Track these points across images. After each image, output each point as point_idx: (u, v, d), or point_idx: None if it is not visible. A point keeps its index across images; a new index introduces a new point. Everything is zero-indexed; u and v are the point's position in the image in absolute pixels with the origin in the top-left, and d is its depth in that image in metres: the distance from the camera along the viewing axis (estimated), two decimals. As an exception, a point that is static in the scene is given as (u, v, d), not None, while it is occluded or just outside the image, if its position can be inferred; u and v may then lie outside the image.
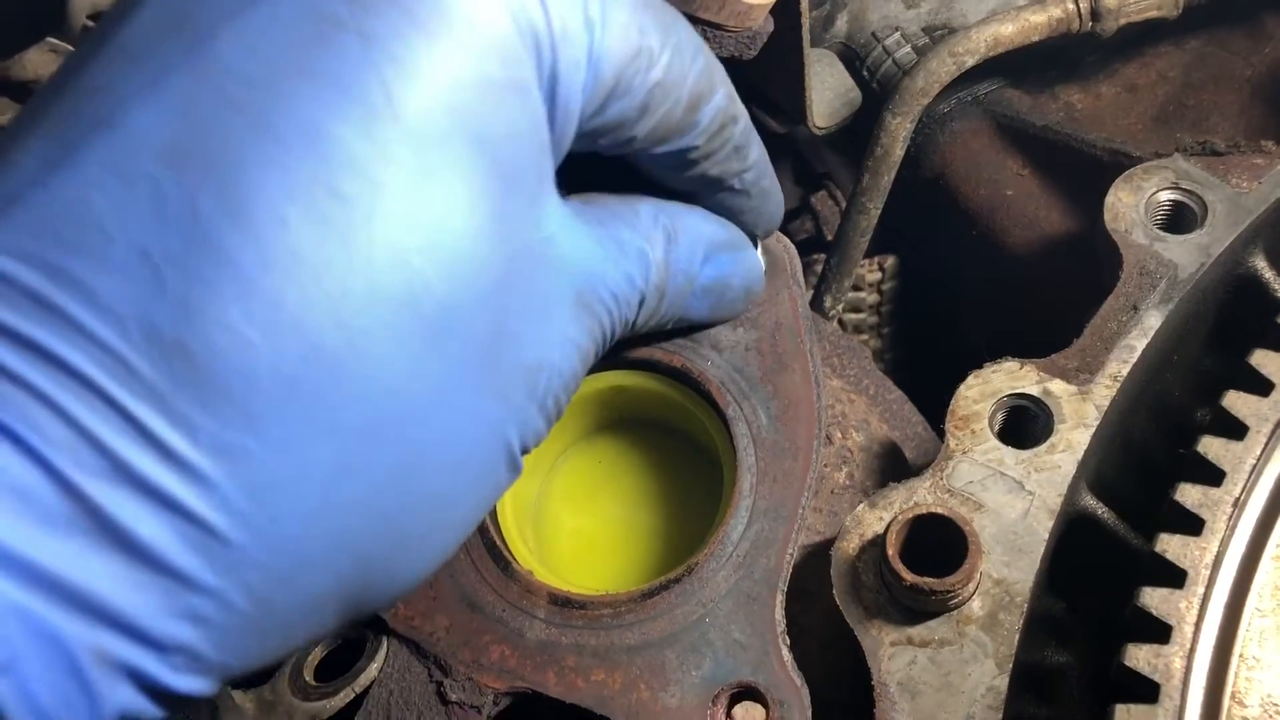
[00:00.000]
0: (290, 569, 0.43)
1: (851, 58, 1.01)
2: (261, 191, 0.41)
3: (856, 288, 1.07)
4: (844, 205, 1.01)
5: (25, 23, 0.67)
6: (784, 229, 1.10)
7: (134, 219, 0.40)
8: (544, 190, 0.50)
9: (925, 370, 1.09)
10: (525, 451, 0.52)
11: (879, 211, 0.94)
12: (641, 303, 0.59)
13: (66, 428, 0.39)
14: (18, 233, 0.40)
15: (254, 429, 0.41)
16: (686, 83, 0.55)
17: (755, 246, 0.70)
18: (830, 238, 1.06)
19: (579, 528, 0.75)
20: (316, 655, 0.68)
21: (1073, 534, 0.69)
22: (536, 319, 0.50)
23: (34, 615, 0.38)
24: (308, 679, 0.66)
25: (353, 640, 0.68)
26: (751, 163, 0.62)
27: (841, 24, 1.02)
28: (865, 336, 1.13)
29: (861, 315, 1.11)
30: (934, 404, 0.75)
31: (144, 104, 0.42)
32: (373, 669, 0.66)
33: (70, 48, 0.73)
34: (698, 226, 0.63)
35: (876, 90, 0.98)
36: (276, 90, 0.42)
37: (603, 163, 0.58)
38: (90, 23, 0.73)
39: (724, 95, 0.58)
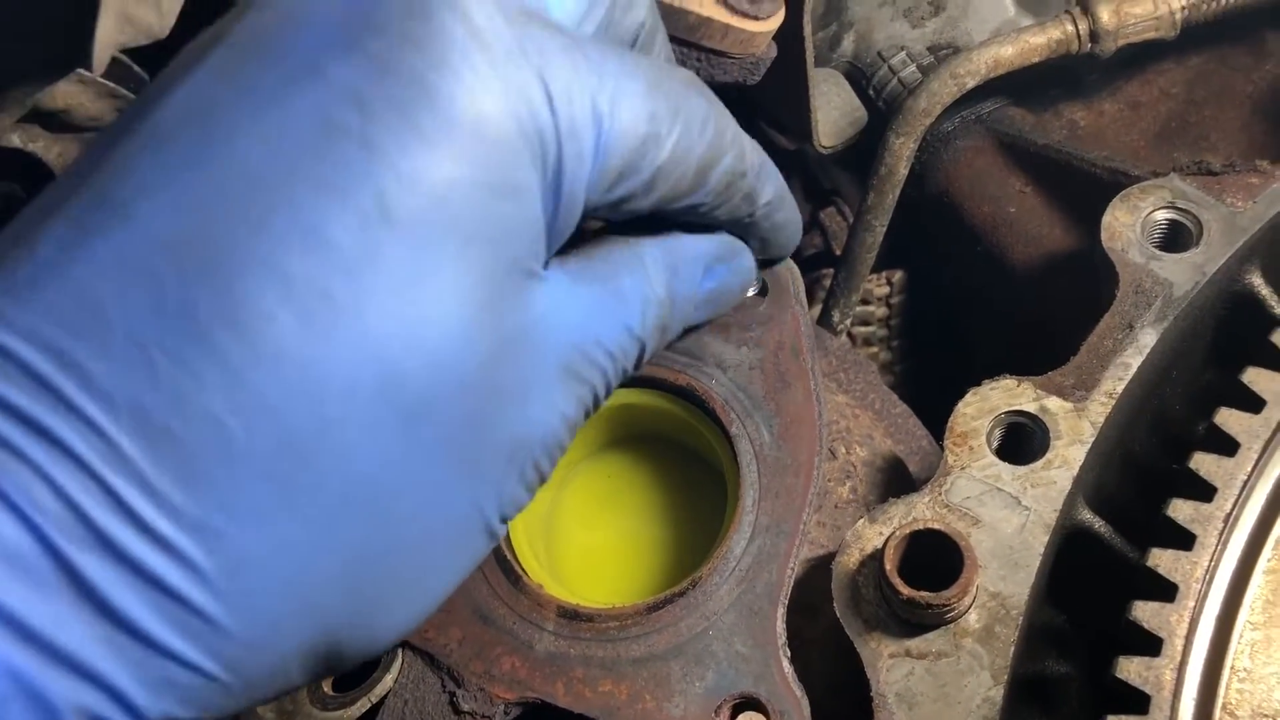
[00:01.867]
0: (262, 638, 0.46)
1: (858, 77, 1.02)
2: (255, 291, 0.44)
3: (865, 301, 1.09)
4: (851, 221, 1.03)
5: (58, 57, 0.70)
6: (792, 246, 1.11)
7: (135, 310, 0.44)
8: (535, 274, 0.52)
9: (935, 381, 1.11)
10: (505, 520, 0.54)
11: (884, 229, 0.95)
12: (643, 349, 0.60)
13: (57, 500, 0.42)
14: (30, 313, 0.44)
15: (230, 511, 0.44)
16: (694, 156, 0.57)
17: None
18: (839, 253, 1.08)
19: (588, 541, 0.77)
20: (334, 666, 0.70)
21: (1071, 548, 0.71)
22: (519, 399, 0.52)
23: (21, 671, 0.41)
24: (325, 689, 0.69)
25: (369, 652, 0.70)
26: (763, 204, 0.64)
27: (848, 44, 1.03)
28: (875, 349, 1.14)
29: (871, 328, 1.13)
30: (941, 415, 0.76)
31: (157, 196, 0.45)
32: (388, 680, 0.68)
33: (98, 80, 0.75)
34: (694, 249, 0.64)
35: (882, 109, 1.00)
36: (281, 194, 0.45)
37: None
38: (122, 56, 0.76)
39: (732, 158, 0.59)
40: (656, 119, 0.54)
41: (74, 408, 0.43)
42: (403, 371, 0.47)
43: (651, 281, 0.60)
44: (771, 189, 0.64)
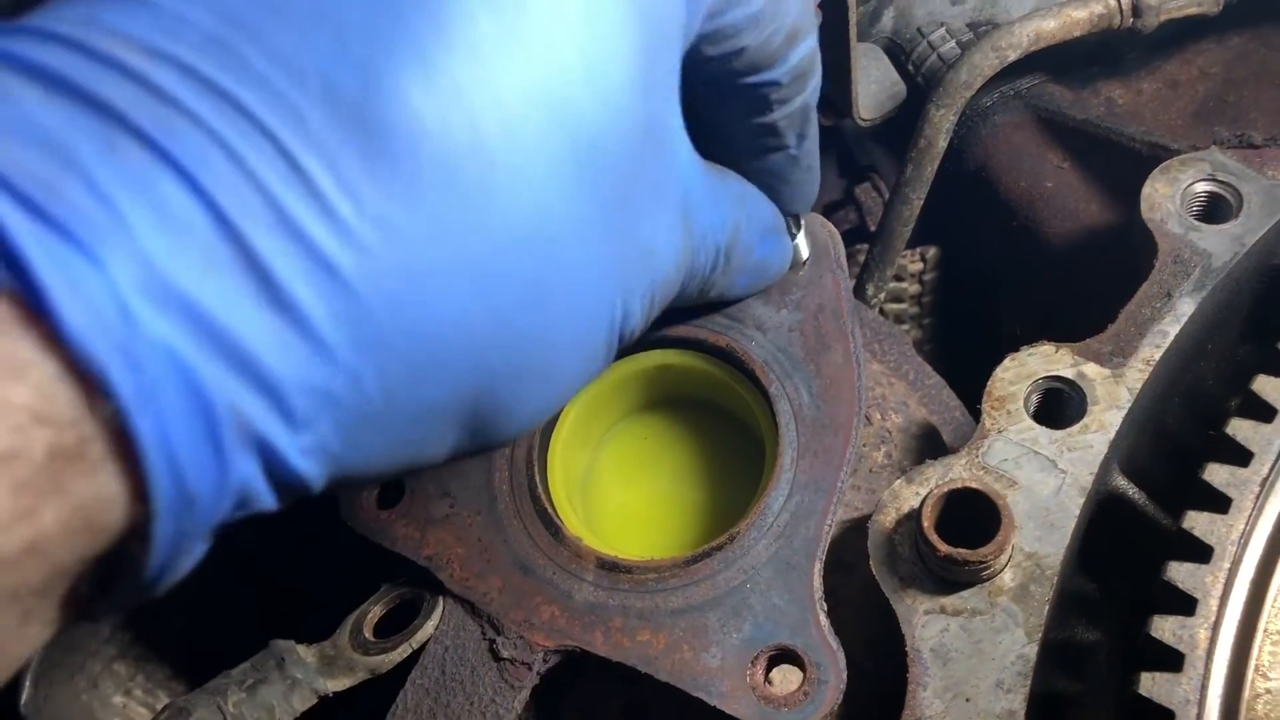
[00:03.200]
0: (422, 364, 0.43)
1: (897, 52, 1.03)
2: None
3: (898, 278, 1.09)
4: (887, 196, 1.04)
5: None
6: (829, 219, 1.13)
7: None
8: (675, 75, 0.53)
9: (965, 359, 1.11)
10: (621, 340, 0.54)
11: (921, 202, 0.96)
12: (715, 262, 0.63)
13: (235, 169, 0.38)
14: None
15: (417, 208, 0.41)
16: (791, 13, 0.59)
17: (793, 230, 0.75)
18: (873, 228, 1.08)
19: (626, 499, 0.78)
20: (376, 613, 0.71)
21: (1104, 513, 0.71)
22: (657, 200, 0.52)
23: (181, 354, 0.37)
24: (367, 635, 0.70)
25: (410, 600, 0.72)
26: (810, 132, 0.67)
27: (887, 20, 1.04)
28: (906, 326, 1.15)
29: (903, 305, 1.13)
30: (973, 391, 0.77)
31: None
32: (429, 626, 0.69)
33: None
34: (762, 209, 0.68)
35: (921, 84, 1.00)
36: None
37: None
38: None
39: (813, 44, 0.62)
40: None
41: (255, 72, 0.38)
42: (584, 112, 0.45)
43: (739, 199, 0.63)
44: (815, 127, 0.68)
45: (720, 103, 0.63)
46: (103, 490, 0.36)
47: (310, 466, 0.42)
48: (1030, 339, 0.75)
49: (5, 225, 0.34)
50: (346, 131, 0.39)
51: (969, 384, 0.81)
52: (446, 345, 0.43)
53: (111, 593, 0.39)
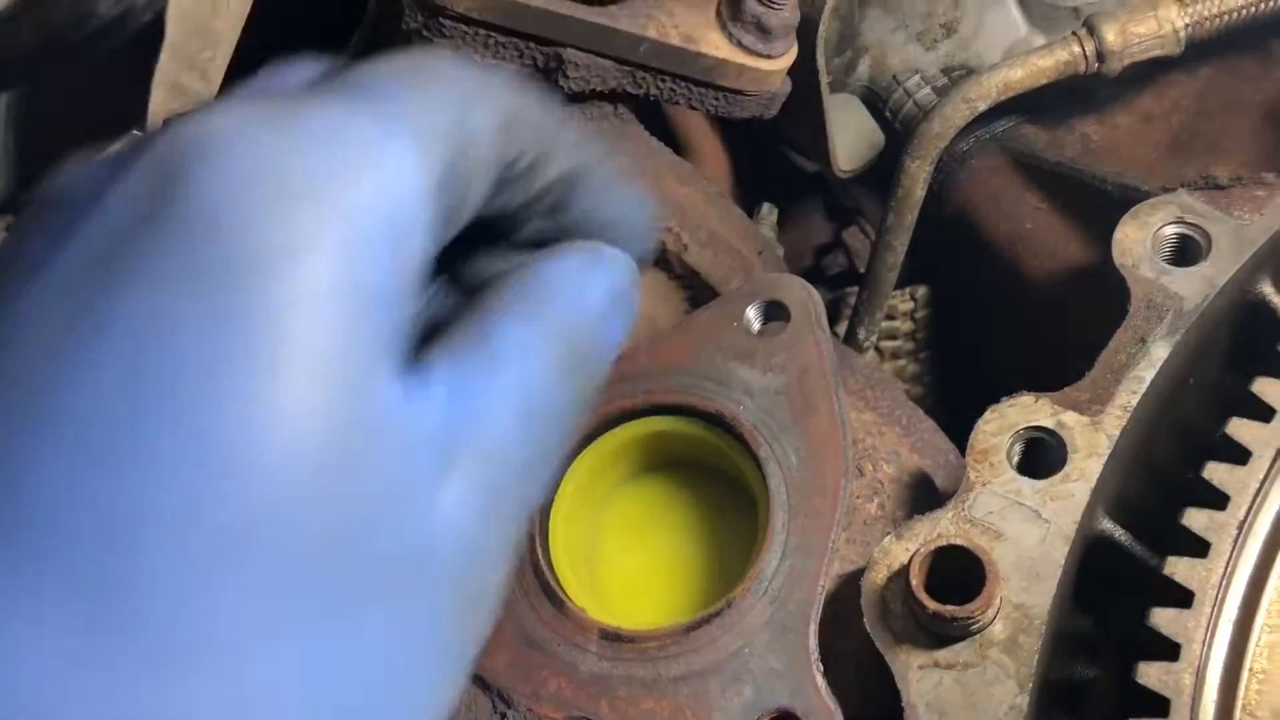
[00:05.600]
0: None
1: (875, 100, 1.05)
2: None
3: (891, 317, 1.12)
4: (873, 240, 1.06)
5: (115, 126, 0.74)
6: (817, 264, 1.15)
7: None
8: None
9: (963, 393, 1.13)
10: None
11: (905, 248, 0.98)
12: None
13: None
14: None
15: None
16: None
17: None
18: (863, 271, 1.10)
19: (629, 563, 0.80)
20: (391, 691, 0.74)
21: (1094, 556, 0.73)
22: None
23: None
24: (383, 714, 0.73)
25: (423, 677, 0.74)
26: (582, 177, 0.51)
27: (863, 69, 1.06)
28: (903, 362, 1.17)
29: (898, 343, 1.15)
30: (972, 423, 0.78)
31: None
32: (442, 703, 0.72)
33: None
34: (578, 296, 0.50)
35: (900, 130, 1.03)
36: None
37: None
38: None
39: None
40: None
41: None
42: None
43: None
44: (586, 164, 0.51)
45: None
46: None
47: None
48: (1023, 377, 0.77)
49: None
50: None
51: (967, 417, 0.83)
52: None
53: None
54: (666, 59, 0.78)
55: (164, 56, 0.66)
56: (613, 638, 0.70)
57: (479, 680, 0.71)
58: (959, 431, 0.85)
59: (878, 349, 1.13)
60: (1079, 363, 0.76)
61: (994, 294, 0.99)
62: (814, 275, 1.20)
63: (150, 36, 0.66)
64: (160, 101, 0.70)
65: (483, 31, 0.75)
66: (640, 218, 0.54)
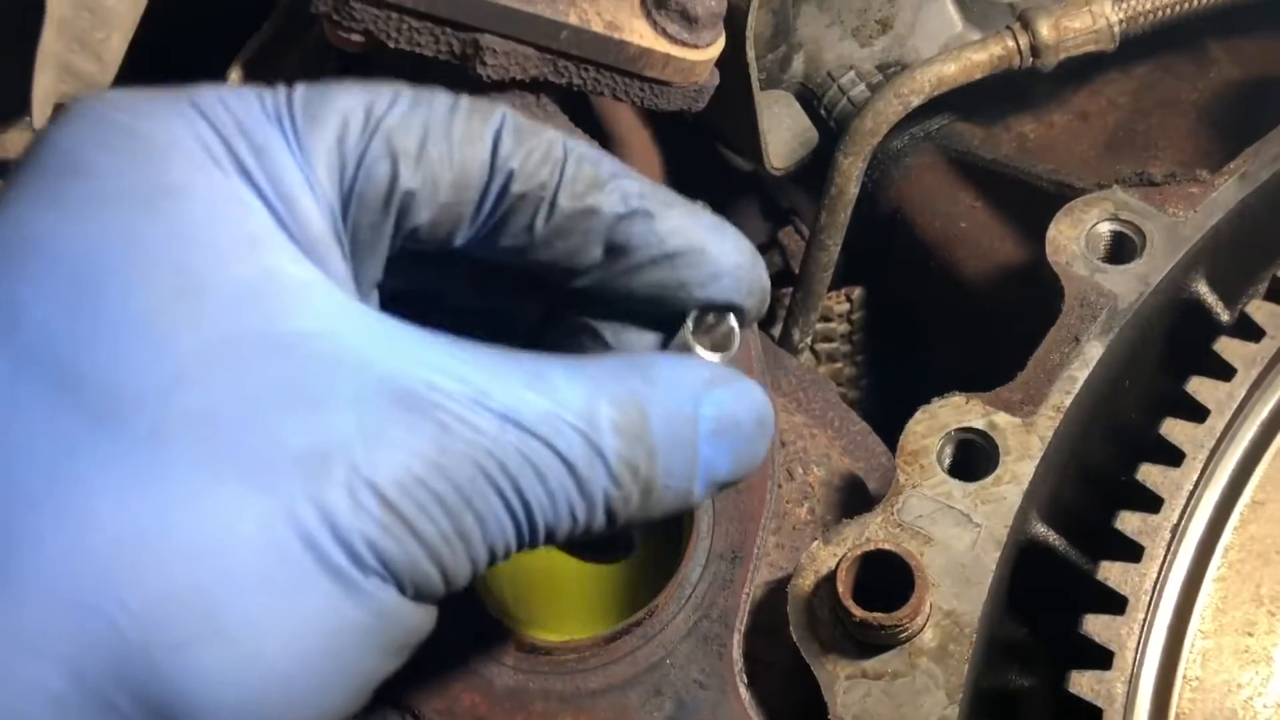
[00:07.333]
0: None
1: (809, 97, 1.03)
2: None
3: (826, 318, 1.09)
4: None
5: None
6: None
7: None
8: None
9: (899, 394, 1.11)
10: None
11: (838, 247, 0.96)
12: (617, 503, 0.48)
13: None
14: None
15: None
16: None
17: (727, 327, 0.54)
18: (798, 271, 1.08)
19: (548, 572, 0.77)
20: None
21: (1026, 562, 0.71)
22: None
23: None
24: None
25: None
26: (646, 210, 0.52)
27: (798, 65, 1.04)
28: (839, 365, 1.15)
29: (834, 344, 1.13)
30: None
31: None
32: (349, 721, 0.68)
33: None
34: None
35: (833, 128, 1.01)
36: None
37: None
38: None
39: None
40: None
41: None
42: None
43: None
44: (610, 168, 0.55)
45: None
46: None
47: None
48: (957, 376, 0.74)
49: None
50: None
51: (905, 418, 0.80)
52: None
53: None
54: (588, 46, 0.75)
55: (47, 34, 0.61)
56: (529, 650, 0.67)
57: (388, 697, 0.68)
58: (896, 434, 0.83)
59: (814, 351, 1.11)
60: (1013, 363, 0.75)
61: (928, 293, 0.97)
62: (750, 276, 1.17)
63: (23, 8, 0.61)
64: (47, 83, 0.66)
65: (395, 15, 0.72)
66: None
